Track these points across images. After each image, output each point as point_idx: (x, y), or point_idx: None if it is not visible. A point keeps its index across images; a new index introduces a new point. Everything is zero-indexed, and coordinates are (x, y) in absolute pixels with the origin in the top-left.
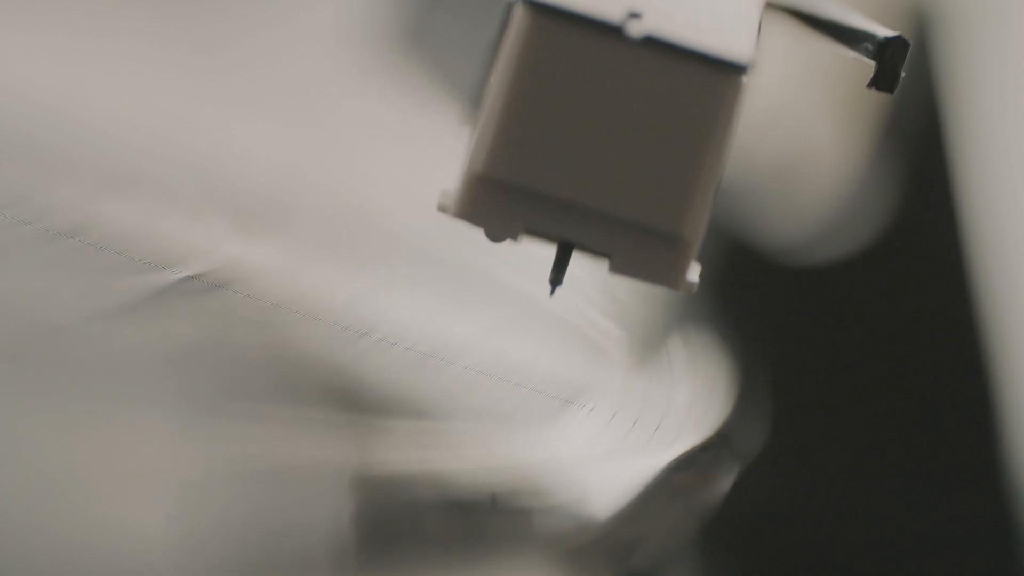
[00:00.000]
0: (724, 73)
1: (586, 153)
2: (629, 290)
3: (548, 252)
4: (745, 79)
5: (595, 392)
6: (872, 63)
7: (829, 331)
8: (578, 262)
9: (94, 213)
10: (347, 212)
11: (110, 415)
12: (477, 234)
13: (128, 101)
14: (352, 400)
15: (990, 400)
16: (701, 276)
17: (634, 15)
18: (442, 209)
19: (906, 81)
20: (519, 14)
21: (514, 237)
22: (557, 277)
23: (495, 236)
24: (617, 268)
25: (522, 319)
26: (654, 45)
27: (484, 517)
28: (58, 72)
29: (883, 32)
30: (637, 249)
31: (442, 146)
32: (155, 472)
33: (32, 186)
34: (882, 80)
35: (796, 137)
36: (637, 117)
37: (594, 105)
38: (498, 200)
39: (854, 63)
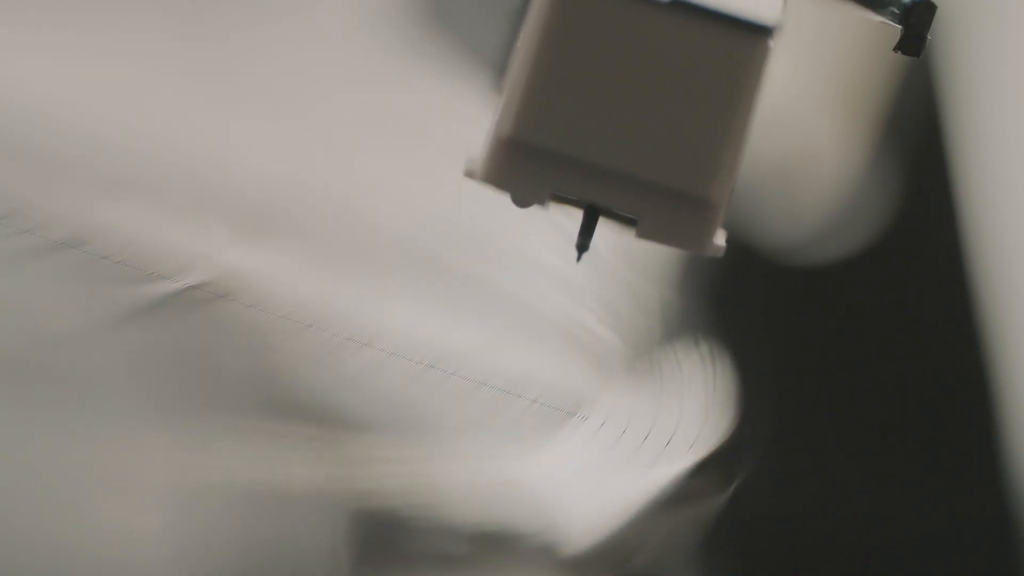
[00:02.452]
0: (751, 35)
1: (613, 116)
2: (629, 300)
3: (551, 258)
4: (772, 42)
5: (597, 404)
6: (898, 27)
7: (829, 331)
8: (581, 271)
9: (94, 222)
10: (347, 220)
11: (107, 425)
12: (478, 244)
13: (128, 107)
14: (353, 414)
15: (990, 400)
16: (700, 275)
17: None
18: (469, 175)
19: (906, 81)
20: None
21: (541, 202)
22: (584, 242)
23: (522, 201)
24: (644, 233)
25: (523, 330)
26: (682, 7)
27: (485, 527)
28: (55, 78)
29: None
30: (664, 213)
31: (446, 153)
32: (150, 483)
33: (31, 195)
34: (908, 44)
35: (796, 137)
36: (664, 80)
37: (621, 68)
38: (525, 164)
39: (854, 64)
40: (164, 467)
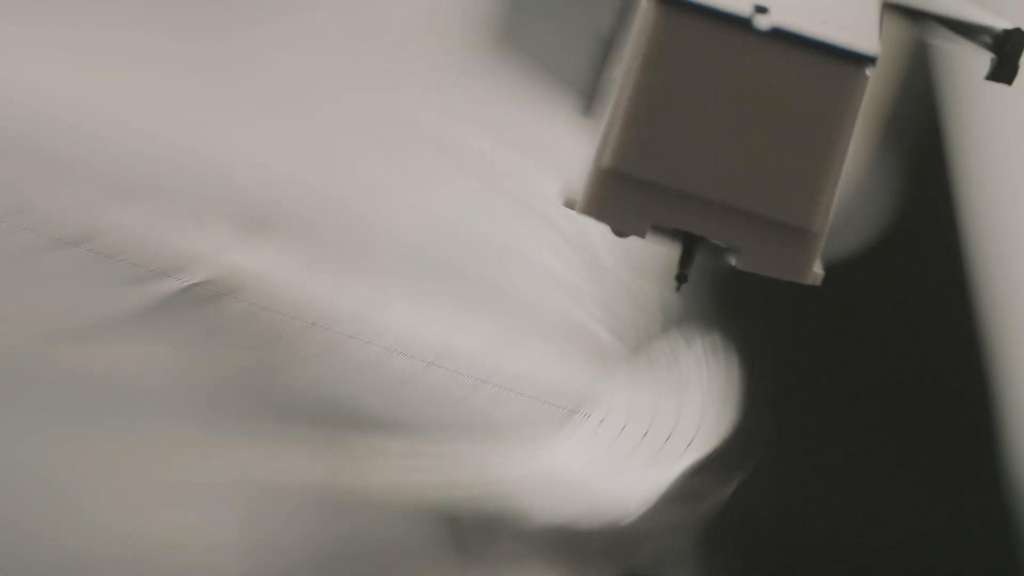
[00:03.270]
0: (852, 65)
1: (714, 147)
2: (628, 300)
3: (552, 259)
4: (871, 71)
5: (598, 403)
6: (991, 55)
7: (829, 331)
8: (580, 271)
9: (97, 220)
10: (350, 220)
11: (113, 423)
12: (480, 243)
13: (130, 106)
14: (357, 412)
15: (990, 400)
16: (700, 275)
17: (760, 8)
18: (568, 205)
19: (906, 81)
20: (647, 8)
21: (641, 233)
22: (683, 273)
23: (622, 232)
24: (743, 263)
25: (524, 329)
26: (782, 37)
27: (487, 524)
28: (58, 78)
29: (1001, 24)
30: (765, 244)
31: (448, 153)
32: (157, 481)
33: (35, 193)
34: (1001, 72)
35: None
36: (765, 110)
37: (722, 98)
38: (626, 195)
39: None
40: (167, 465)
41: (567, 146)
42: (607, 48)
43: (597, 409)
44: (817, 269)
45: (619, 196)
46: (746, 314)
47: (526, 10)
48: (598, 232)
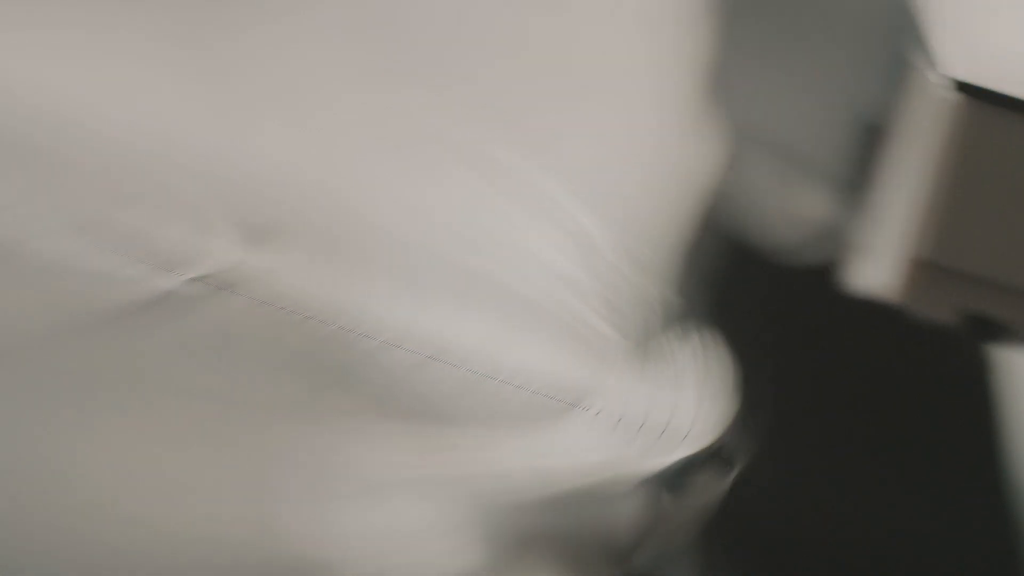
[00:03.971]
0: None
1: (1017, 234)
2: (630, 297)
3: (554, 256)
4: None
5: (598, 397)
6: None
7: (828, 332)
8: (582, 267)
9: (100, 217)
10: (353, 217)
11: (115, 416)
12: (480, 238)
13: (136, 103)
14: (358, 404)
15: (990, 400)
16: (701, 274)
17: None
18: (879, 292)
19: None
20: (948, 99)
21: (951, 321)
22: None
23: (931, 317)
24: None
25: (527, 325)
26: None
27: (488, 517)
28: (65, 74)
29: None
30: None
31: (449, 151)
32: (160, 473)
33: (39, 188)
34: None
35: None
36: None
37: (1021, 185)
38: (939, 285)
39: None
40: (169, 456)
41: (567, 143)
42: (874, 135)
43: (597, 403)
44: None
45: (933, 286)
46: (746, 311)
47: (743, 68)
48: (598, 228)
